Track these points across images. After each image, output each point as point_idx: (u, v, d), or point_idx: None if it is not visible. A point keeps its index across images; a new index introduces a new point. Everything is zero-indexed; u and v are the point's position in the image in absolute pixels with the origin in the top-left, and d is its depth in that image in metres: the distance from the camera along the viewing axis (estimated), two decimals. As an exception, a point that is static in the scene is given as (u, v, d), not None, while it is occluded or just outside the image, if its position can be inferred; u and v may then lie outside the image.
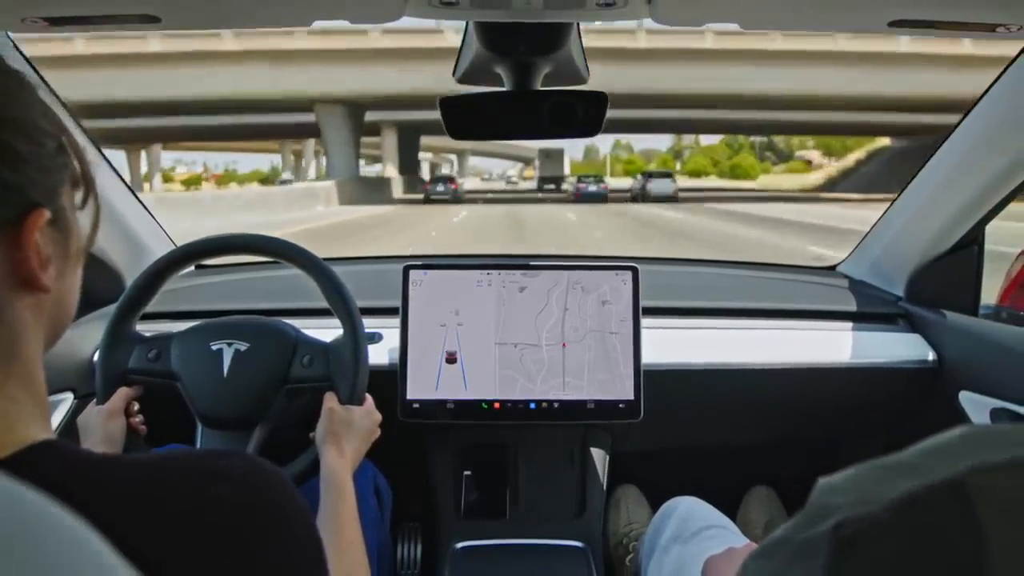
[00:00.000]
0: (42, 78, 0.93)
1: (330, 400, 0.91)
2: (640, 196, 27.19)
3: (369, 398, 0.94)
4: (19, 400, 0.41)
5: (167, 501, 0.38)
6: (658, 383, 1.18)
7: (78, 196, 0.47)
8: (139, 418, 0.96)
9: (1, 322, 0.40)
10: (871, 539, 0.26)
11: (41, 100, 0.44)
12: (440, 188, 23.03)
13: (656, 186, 27.30)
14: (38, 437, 0.40)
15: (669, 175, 30.63)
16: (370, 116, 28.31)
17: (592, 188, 26.87)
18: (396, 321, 1.16)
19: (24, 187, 0.41)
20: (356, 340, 0.93)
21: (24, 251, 0.41)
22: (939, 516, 0.25)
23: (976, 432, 0.29)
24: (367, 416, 0.91)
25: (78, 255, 0.47)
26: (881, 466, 0.29)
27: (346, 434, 0.87)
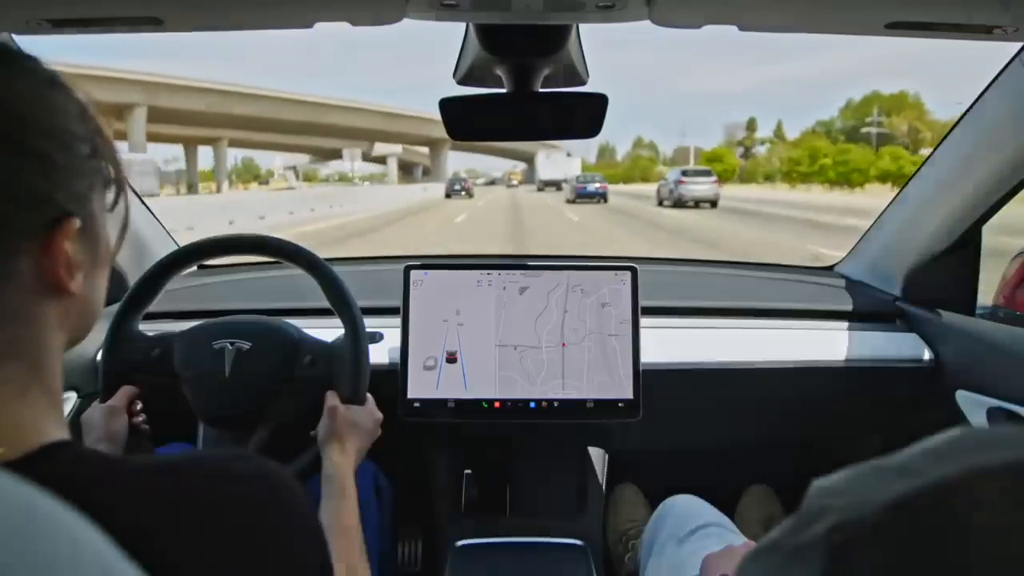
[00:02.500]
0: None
1: (332, 399, 0.91)
2: (672, 201, 22.33)
3: (370, 397, 0.95)
4: (39, 404, 0.41)
5: (178, 503, 0.38)
6: (657, 382, 1.18)
7: (108, 199, 0.47)
8: (141, 417, 0.97)
9: (28, 326, 0.41)
10: (865, 543, 0.26)
11: (77, 101, 0.44)
12: (457, 187, 34.64)
13: (693, 188, 21.98)
14: (53, 438, 0.40)
15: (708, 172, 23.86)
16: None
17: (589, 188, 26.43)
18: (397, 321, 1.17)
19: (56, 195, 0.41)
20: (357, 339, 0.94)
21: (54, 259, 0.41)
22: (932, 520, 0.25)
23: (970, 435, 0.29)
24: (369, 415, 0.92)
25: (106, 259, 0.47)
26: (875, 468, 0.29)
27: (348, 433, 0.88)
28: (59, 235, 0.41)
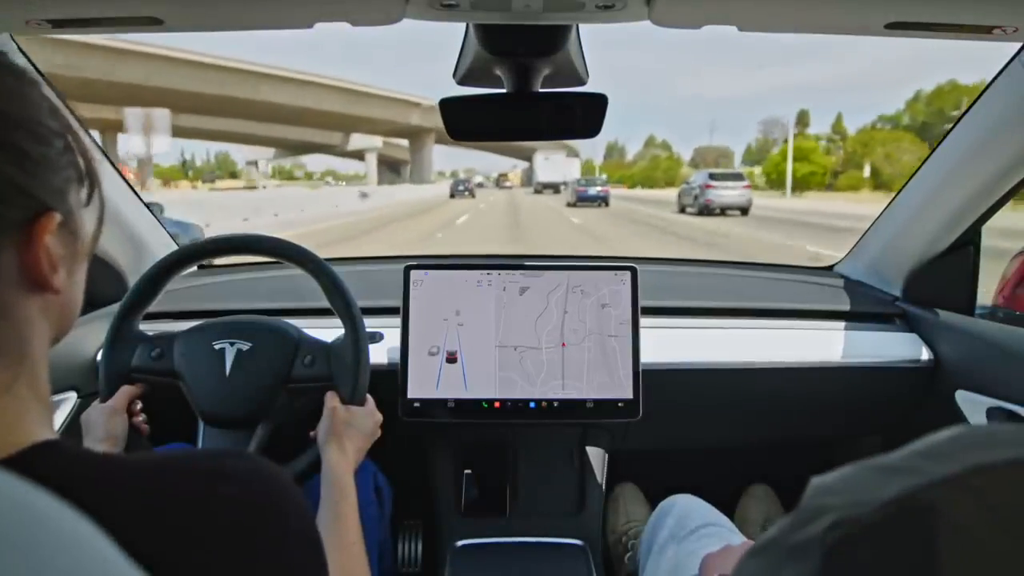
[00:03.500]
0: (44, 77, 0.93)
1: (332, 400, 0.91)
2: (697, 208, 19.59)
3: (370, 398, 0.95)
4: (25, 399, 0.41)
5: (172, 501, 0.38)
6: (656, 382, 1.18)
7: (83, 193, 0.47)
8: (141, 417, 0.97)
9: (10, 323, 0.41)
10: (863, 540, 0.26)
11: (48, 98, 0.44)
12: (461, 188, 37.46)
13: (723, 194, 19.05)
14: (41, 437, 0.40)
15: (739, 176, 20.70)
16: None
17: (591, 191, 26.04)
18: (397, 321, 1.17)
19: (36, 190, 0.41)
20: (357, 340, 0.94)
21: (35, 254, 0.40)
22: (931, 517, 0.25)
23: (968, 433, 0.29)
24: (368, 416, 0.92)
25: (85, 254, 0.47)
26: (873, 467, 0.29)
27: (347, 434, 0.88)
28: (40, 230, 0.40)
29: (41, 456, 0.38)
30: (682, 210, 21.30)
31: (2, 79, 0.41)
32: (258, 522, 0.40)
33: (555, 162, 47.99)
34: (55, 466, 0.38)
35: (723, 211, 19.32)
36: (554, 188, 44.44)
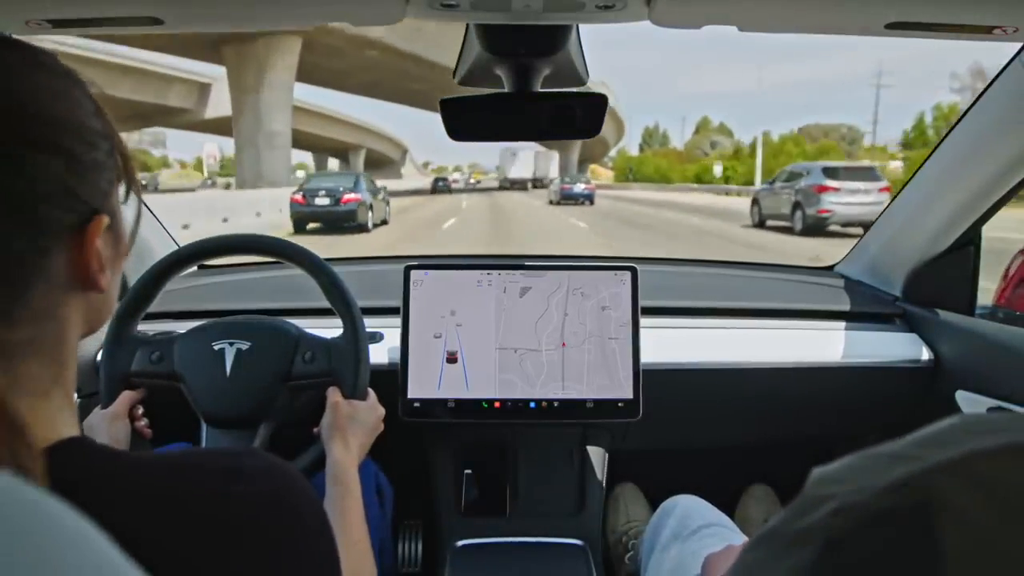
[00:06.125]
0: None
1: (334, 395, 0.91)
2: (803, 224, 11.87)
3: (372, 393, 0.95)
4: (57, 401, 0.42)
5: (188, 500, 0.39)
6: (657, 382, 1.18)
7: (122, 192, 0.47)
8: (143, 421, 0.97)
9: (54, 325, 0.41)
10: (866, 526, 0.26)
11: (91, 98, 0.44)
12: (441, 184, 38.72)
13: (848, 201, 11.36)
14: (66, 434, 0.40)
15: (870, 172, 12.40)
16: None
17: (575, 190, 25.64)
18: (397, 321, 1.17)
19: (86, 194, 0.41)
20: (357, 336, 0.94)
21: (87, 257, 0.41)
22: (932, 502, 0.25)
23: (968, 420, 0.29)
24: (371, 411, 0.92)
25: (124, 254, 0.48)
26: (874, 455, 0.29)
27: (351, 428, 0.88)
28: (91, 233, 0.41)
29: (63, 455, 0.39)
30: (761, 223, 13.74)
31: (51, 81, 0.41)
32: (274, 520, 0.41)
33: (523, 159, 43.10)
34: (75, 465, 0.39)
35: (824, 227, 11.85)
36: (523, 185, 41.73)
